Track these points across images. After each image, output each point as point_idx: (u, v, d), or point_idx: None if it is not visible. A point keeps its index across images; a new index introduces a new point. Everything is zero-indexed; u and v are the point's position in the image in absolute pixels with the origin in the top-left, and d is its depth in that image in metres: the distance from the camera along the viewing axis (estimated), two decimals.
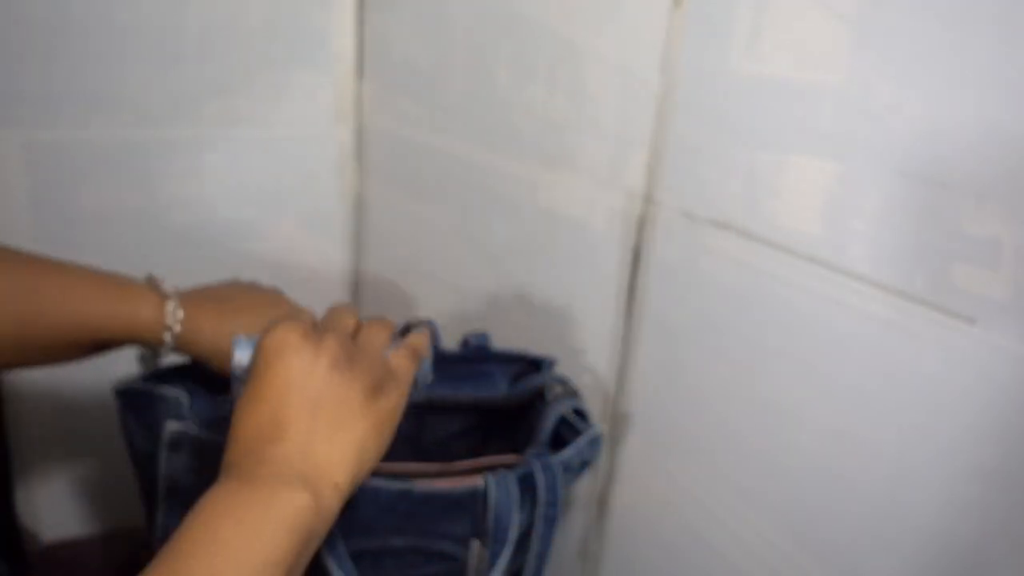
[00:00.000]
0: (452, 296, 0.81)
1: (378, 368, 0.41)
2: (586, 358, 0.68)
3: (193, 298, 0.54)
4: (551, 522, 0.52)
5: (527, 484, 0.51)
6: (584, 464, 0.58)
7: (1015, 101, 0.38)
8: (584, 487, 0.71)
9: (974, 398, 0.41)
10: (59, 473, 0.87)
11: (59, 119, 0.75)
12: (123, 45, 0.76)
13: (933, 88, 0.41)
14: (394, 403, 0.42)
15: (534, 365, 0.62)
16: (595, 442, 0.57)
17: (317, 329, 0.41)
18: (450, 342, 0.67)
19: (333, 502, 0.38)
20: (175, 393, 0.53)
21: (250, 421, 0.39)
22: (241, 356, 0.44)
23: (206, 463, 0.50)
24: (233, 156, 0.84)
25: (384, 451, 0.41)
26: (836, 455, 0.48)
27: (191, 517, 0.35)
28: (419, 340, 0.45)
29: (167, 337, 0.52)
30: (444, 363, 0.62)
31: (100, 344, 0.53)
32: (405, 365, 0.44)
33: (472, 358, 0.63)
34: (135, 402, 0.55)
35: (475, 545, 0.49)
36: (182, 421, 0.51)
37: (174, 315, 0.52)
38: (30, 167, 0.75)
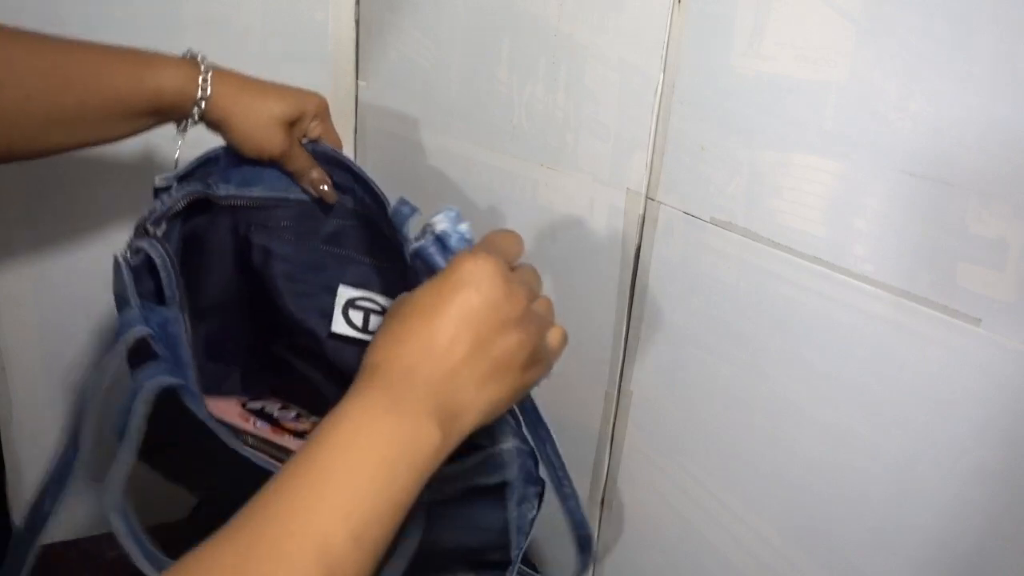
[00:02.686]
0: None
1: (542, 345, 0.41)
2: (586, 358, 0.68)
3: (226, 72, 0.57)
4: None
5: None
6: None
7: (1021, 99, 0.37)
8: (584, 487, 0.70)
9: (978, 399, 0.40)
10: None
11: None
12: (120, 42, 0.75)
13: (938, 86, 0.40)
14: (536, 379, 0.42)
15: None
16: None
17: (512, 275, 0.40)
18: None
19: (452, 446, 0.38)
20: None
21: (419, 329, 0.37)
22: (443, 226, 0.42)
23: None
24: None
25: (502, 415, 0.41)
26: (838, 456, 0.48)
27: (329, 432, 0.35)
28: (562, 336, 0.44)
29: (198, 104, 0.55)
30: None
31: (134, 114, 0.54)
32: (556, 350, 0.43)
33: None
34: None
35: None
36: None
37: (205, 82, 0.55)
38: (23, 170, 0.74)
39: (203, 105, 0.55)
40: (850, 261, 0.46)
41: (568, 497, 0.52)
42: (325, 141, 0.63)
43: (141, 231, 0.53)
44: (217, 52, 0.79)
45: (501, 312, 0.38)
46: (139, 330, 0.47)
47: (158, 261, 0.51)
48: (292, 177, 0.62)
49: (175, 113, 0.56)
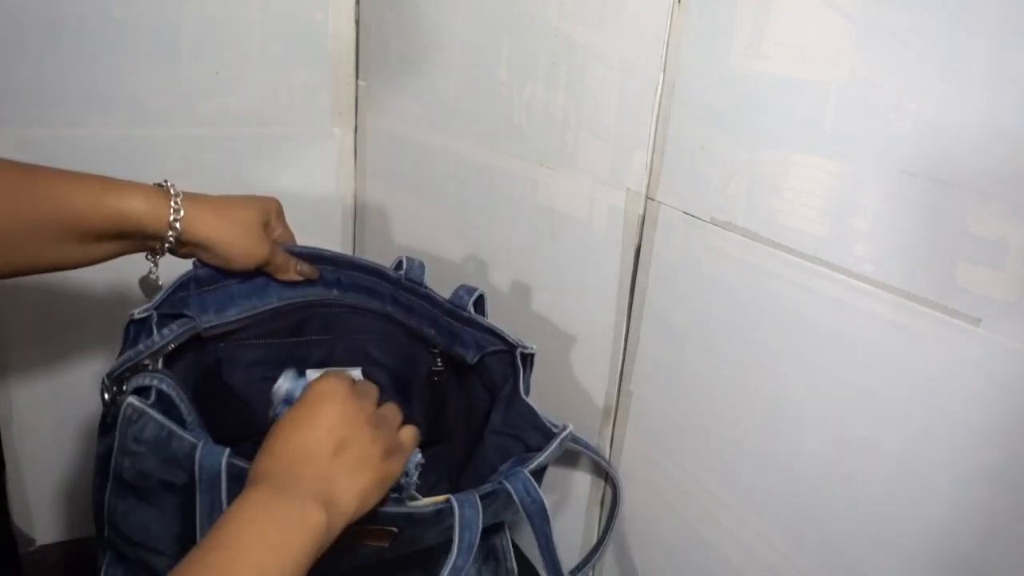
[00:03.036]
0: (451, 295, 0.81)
1: (393, 439, 0.50)
2: (586, 358, 0.68)
3: (194, 195, 0.58)
4: (542, 515, 0.52)
5: (496, 500, 0.52)
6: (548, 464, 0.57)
7: (1021, 99, 0.37)
8: (585, 488, 0.70)
9: (979, 399, 0.40)
10: (53, 476, 0.87)
11: (54, 117, 0.75)
12: (119, 43, 0.75)
13: (938, 86, 0.40)
14: (396, 470, 0.49)
15: (509, 349, 0.62)
16: (564, 441, 0.57)
17: (356, 388, 0.49)
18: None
19: (337, 529, 0.44)
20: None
21: (292, 440, 0.46)
22: (287, 386, 0.54)
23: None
24: (230, 155, 0.84)
25: (374, 505, 0.48)
26: (838, 456, 0.48)
27: (224, 521, 0.40)
28: (414, 433, 0.53)
29: (172, 227, 0.56)
30: (433, 307, 0.64)
31: (94, 236, 0.54)
32: (409, 446, 0.52)
33: (454, 312, 0.64)
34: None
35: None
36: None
37: (177, 204, 0.56)
38: None
39: (178, 227, 0.56)
40: (850, 261, 0.46)
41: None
42: (285, 240, 0.65)
43: (140, 367, 0.53)
44: (217, 52, 0.80)
45: (354, 417, 0.47)
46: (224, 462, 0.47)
47: (174, 395, 0.52)
48: (272, 274, 0.64)
49: (142, 238, 0.56)
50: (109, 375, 0.53)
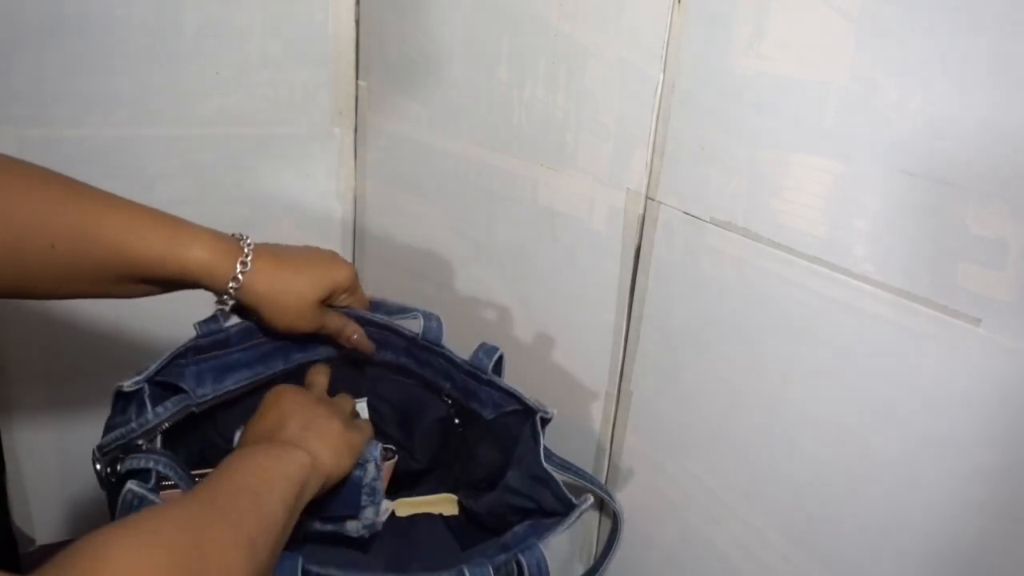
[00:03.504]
0: (451, 295, 0.81)
1: (348, 416, 0.57)
2: (586, 358, 0.68)
3: (263, 250, 0.56)
4: None
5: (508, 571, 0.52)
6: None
7: (1021, 99, 0.37)
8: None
9: (979, 399, 0.40)
10: (53, 476, 0.87)
11: (53, 117, 0.75)
12: (118, 43, 0.75)
13: (938, 86, 0.40)
14: (358, 443, 0.54)
15: (526, 410, 0.60)
16: (583, 513, 0.56)
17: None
18: (450, 340, 0.66)
19: (320, 474, 0.50)
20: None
21: (260, 426, 0.52)
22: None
23: None
24: (230, 154, 0.84)
25: (346, 474, 0.53)
26: (838, 456, 0.48)
27: (222, 469, 0.45)
28: (367, 420, 0.60)
29: (232, 287, 0.54)
30: (451, 366, 0.62)
31: (154, 282, 0.53)
32: (365, 426, 0.58)
33: (473, 373, 0.62)
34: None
35: None
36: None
37: (244, 265, 0.54)
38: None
39: (239, 285, 0.54)
40: (850, 261, 0.46)
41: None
42: (355, 307, 0.62)
43: (133, 447, 0.51)
44: (217, 52, 0.80)
45: (310, 401, 0.54)
46: None
47: (172, 475, 0.51)
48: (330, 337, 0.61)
49: (199, 286, 0.54)
50: (100, 448, 0.51)
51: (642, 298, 0.61)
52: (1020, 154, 0.37)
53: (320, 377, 0.61)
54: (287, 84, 0.84)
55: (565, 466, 0.62)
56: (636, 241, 0.61)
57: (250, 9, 0.80)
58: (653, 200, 0.59)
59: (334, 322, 0.60)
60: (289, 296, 0.56)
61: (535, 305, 0.72)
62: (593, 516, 0.70)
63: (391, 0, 0.81)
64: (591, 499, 0.56)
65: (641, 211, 0.60)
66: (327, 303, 0.59)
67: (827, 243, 0.47)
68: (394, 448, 0.61)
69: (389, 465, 0.60)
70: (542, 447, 0.58)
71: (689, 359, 0.58)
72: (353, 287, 0.61)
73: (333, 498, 0.54)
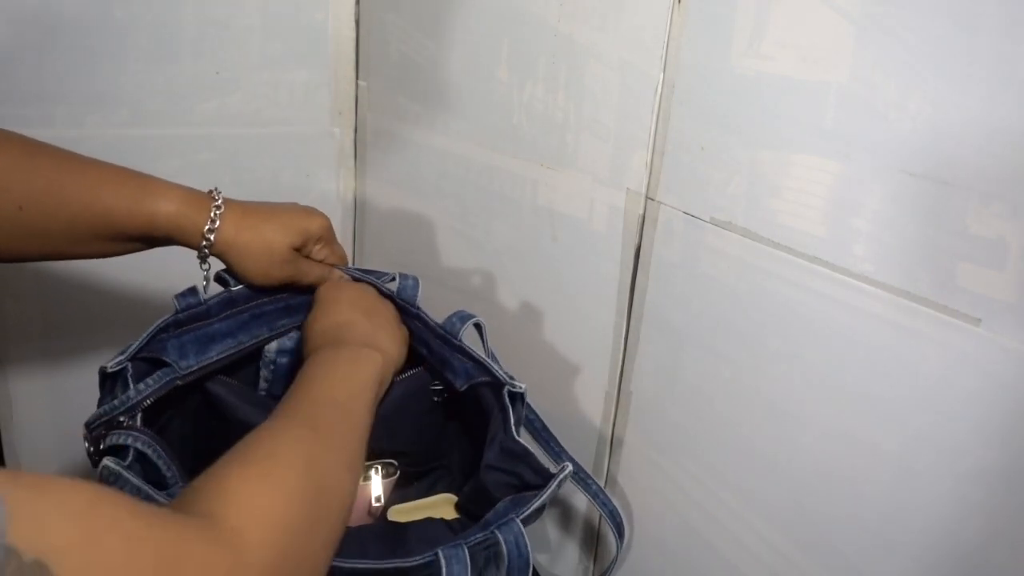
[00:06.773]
0: (451, 295, 0.81)
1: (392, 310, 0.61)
2: (586, 358, 0.68)
3: (233, 203, 0.56)
4: (524, 571, 0.52)
5: (486, 550, 0.51)
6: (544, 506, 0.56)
7: (1021, 99, 0.37)
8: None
9: (979, 399, 0.40)
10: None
11: (54, 117, 0.75)
12: (119, 43, 0.75)
13: (938, 86, 0.40)
14: (406, 333, 0.60)
15: (495, 383, 0.59)
16: (563, 482, 0.55)
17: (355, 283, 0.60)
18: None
19: (391, 368, 0.55)
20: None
21: (326, 322, 0.56)
22: (276, 345, 0.61)
23: None
24: (230, 154, 0.84)
25: (402, 365, 0.58)
26: (838, 456, 0.48)
27: (307, 380, 0.49)
28: None
29: (206, 238, 0.54)
30: (425, 328, 0.62)
31: (126, 237, 0.53)
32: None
33: (444, 337, 0.61)
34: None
35: None
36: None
37: (215, 216, 0.54)
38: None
39: (212, 238, 0.54)
40: (850, 261, 0.46)
41: (597, 494, 0.62)
42: (332, 260, 0.62)
43: (115, 424, 0.51)
44: (217, 52, 0.80)
45: (365, 295, 0.59)
46: None
47: (150, 452, 0.50)
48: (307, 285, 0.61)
49: (170, 241, 0.55)
50: (87, 424, 0.51)
51: (642, 298, 0.61)
52: (1020, 154, 0.37)
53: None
54: (287, 84, 0.84)
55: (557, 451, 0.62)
56: (636, 241, 0.61)
57: (250, 9, 0.80)
58: (653, 200, 0.59)
59: (314, 270, 0.60)
60: (260, 243, 0.56)
61: (535, 305, 0.72)
62: (593, 515, 0.70)
63: (391, 0, 0.81)
64: (570, 467, 0.55)
65: (641, 211, 0.60)
66: (303, 253, 0.60)
67: (827, 243, 0.47)
68: (395, 464, 0.61)
69: (389, 482, 0.60)
70: (512, 419, 0.57)
71: (689, 359, 0.58)
72: (328, 238, 0.61)
73: None
